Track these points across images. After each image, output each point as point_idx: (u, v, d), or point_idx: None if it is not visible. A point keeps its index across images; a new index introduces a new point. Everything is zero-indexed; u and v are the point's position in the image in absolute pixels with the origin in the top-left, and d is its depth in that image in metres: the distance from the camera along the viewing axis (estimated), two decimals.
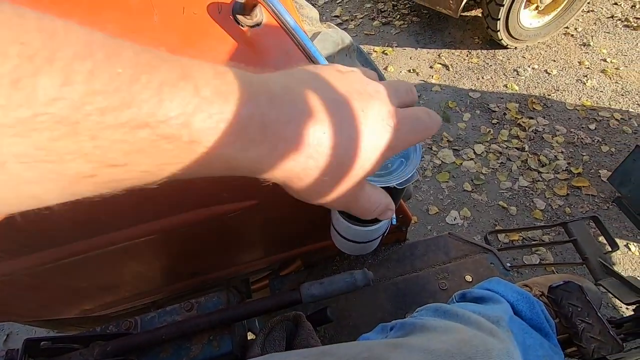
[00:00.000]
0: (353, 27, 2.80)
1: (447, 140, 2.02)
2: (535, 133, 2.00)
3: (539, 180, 1.81)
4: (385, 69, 2.46)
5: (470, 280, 0.87)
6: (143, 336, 0.49)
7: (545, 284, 0.76)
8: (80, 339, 0.47)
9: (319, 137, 0.22)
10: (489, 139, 2.01)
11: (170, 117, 0.17)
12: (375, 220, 0.54)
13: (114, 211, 0.47)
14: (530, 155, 1.90)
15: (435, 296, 0.85)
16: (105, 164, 0.16)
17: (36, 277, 0.55)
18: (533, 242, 1.55)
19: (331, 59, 0.72)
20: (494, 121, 2.08)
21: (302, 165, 0.23)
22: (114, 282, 0.69)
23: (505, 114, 2.11)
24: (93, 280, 0.68)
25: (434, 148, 2.00)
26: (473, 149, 1.97)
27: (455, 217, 1.73)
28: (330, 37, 0.73)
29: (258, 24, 0.42)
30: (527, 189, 1.79)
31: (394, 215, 0.57)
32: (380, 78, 0.92)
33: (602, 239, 1.35)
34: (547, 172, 1.83)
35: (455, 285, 0.86)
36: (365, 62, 0.91)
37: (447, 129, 2.08)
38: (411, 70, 2.43)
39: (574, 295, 0.66)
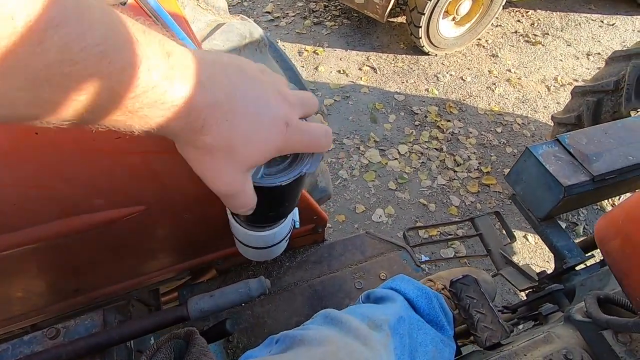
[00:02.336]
0: (285, 24, 2.77)
1: (374, 141, 2.09)
2: (452, 135, 2.16)
3: (454, 179, 1.96)
4: (316, 68, 2.47)
5: (384, 277, 0.89)
6: None
7: (447, 277, 0.81)
8: None
9: (221, 121, 0.25)
10: (412, 139, 2.12)
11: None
12: (272, 225, 0.51)
13: None
14: (447, 156, 2.05)
15: (350, 296, 0.86)
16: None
17: None
18: (447, 237, 1.67)
19: (237, 52, 0.67)
20: (417, 123, 2.20)
21: (200, 130, 0.25)
22: None
23: (426, 116, 2.24)
24: None
25: (361, 148, 2.05)
26: (397, 149, 2.06)
27: (381, 215, 1.79)
28: (235, 29, 0.68)
29: (123, 3, 0.37)
30: (444, 187, 1.93)
31: (296, 219, 0.55)
32: (293, 75, 0.89)
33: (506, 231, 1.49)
34: (462, 171, 1.99)
35: (370, 284, 0.88)
36: (280, 59, 0.88)
37: (374, 129, 2.15)
38: (341, 71, 2.47)
39: (471, 288, 0.70)
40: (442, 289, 0.76)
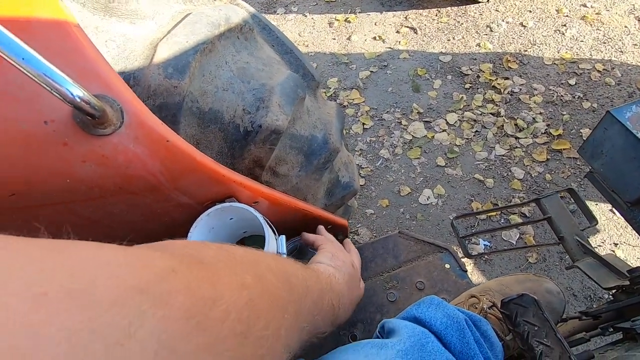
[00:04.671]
0: None
1: (418, 112, 1.87)
2: (511, 95, 1.85)
3: (516, 147, 1.68)
4: (349, 38, 2.26)
5: (422, 287, 0.75)
6: None
7: (497, 290, 0.65)
8: None
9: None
10: (462, 106, 1.85)
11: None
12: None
13: None
14: (506, 120, 1.76)
15: (382, 310, 0.74)
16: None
17: None
18: (508, 224, 1.44)
19: (210, 46, 0.56)
20: (467, 86, 1.92)
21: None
22: None
23: (478, 76, 1.94)
24: None
25: (403, 122, 1.85)
26: (445, 119, 1.82)
27: (429, 196, 1.61)
28: (205, 18, 0.56)
29: None
30: (504, 157, 1.67)
31: (282, 251, 0.44)
32: (293, 59, 0.75)
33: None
34: (525, 137, 1.70)
35: (405, 296, 0.75)
36: (276, 42, 0.75)
37: (417, 99, 1.92)
38: (377, 38, 2.23)
39: (529, 311, 0.54)
40: (490, 307, 0.60)
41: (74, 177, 0.29)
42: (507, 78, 1.91)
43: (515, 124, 1.74)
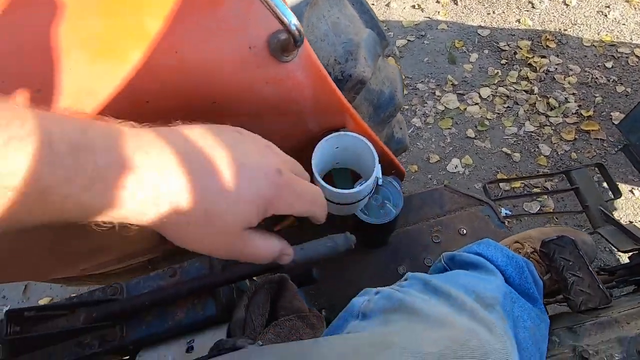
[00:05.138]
0: None
1: (452, 84, 1.92)
2: (546, 74, 1.88)
3: (546, 125, 1.74)
4: (388, 5, 2.26)
5: (464, 233, 0.86)
6: (128, 301, 0.49)
7: (538, 237, 0.75)
8: (66, 306, 0.47)
9: (174, 187, 0.23)
10: (496, 81, 1.89)
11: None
12: (353, 185, 0.51)
13: None
14: (539, 98, 1.81)
15: (427, 249, 0.85)
16: None
17: (29, 240, 0.55)
18: (533, 191, 1.53)
19: (315, 0, 0.63)
20: (503, 61, 1.95)
21: (159, 213, 0.23)
22: (102, 244, 0.70)
23: (515, 53, 1.96)
24: (84, 243, 0.68)
25: (437, 93, 1.90)
26: (479, 93, 1.87)
27: (457, 165, 1.69)
28: None
29: None
30: (532, 134, 1.73)
31: (379, 175, 0.54)
32: (370, 18, 0.82)
33: (606, 185, 1.32)
34: (556, 116, 1.75)
35: (449, 239, 0.86)
36: (356, 2, 0.82)
37: (452, 71, 1.96)
38: (416, 6, 2.23)
39: (566, 249, 0.64)
40: (532, 252, 0.71)
41: (257, 95, 0.38)
42: (544, 57, 1.93)
43: (547, 103, 1.79)
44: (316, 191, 0.30)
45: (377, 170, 0.50)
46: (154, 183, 0.22)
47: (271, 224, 0.31)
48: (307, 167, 0.54)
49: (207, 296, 0.49)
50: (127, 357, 0.56)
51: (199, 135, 0.25)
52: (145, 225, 0.23)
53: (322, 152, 0.52)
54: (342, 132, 0.51)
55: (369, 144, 0.51)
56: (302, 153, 0.54)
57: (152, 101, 0.36)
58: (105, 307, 0.48)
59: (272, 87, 0.38)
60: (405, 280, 0.49)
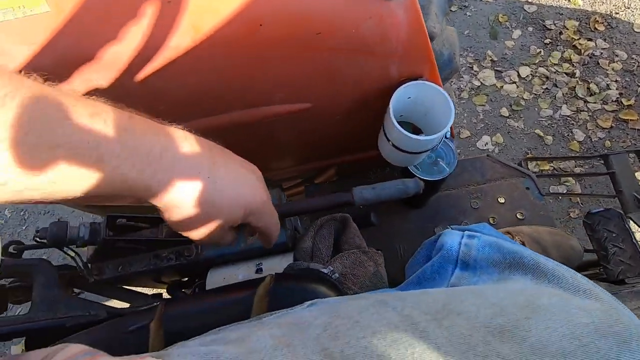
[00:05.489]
0: None
1: (491, 60, 1.87)
2: (590, 57, 1.82)
3: (583, 110, 1.71)
4: None
5: (503, 202, 0.88)
6: None
7: (529, 234, 0.72)
8: (151, 219, 0.51)
9: (198, 183, 0.31)
10: (537, 61, 1.84)
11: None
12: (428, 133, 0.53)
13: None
14: (579, 82, 1.76)
15: (465, 214, 0.88)
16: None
17: None
18: (568, 172, 1.53)
19: None
20: (547, 41, 1.89)
21: (182, 197, 0.30)
22: None
23: (561, 33, 1.89)
24: None
25: (475, 67, 1.86)
26: (517, 71, 1.83)
27: (487, 143, 1.69)
28: None
29: None
30: (568, 118, 1.70)
31: (448, 131, 0.55)
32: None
33: None
34: (595, 102, 1.72)
35: (487, 205, 0.88)
36: None
37: (493, 46, 1.91)
38: None
39: (612, 222, 0.67)
40: (521, 244, 0.71)
41: (358, 30, 0.39)
42: (590, 39, 1.86)
43: (588, 88, 1.75)
44: (277, 222, 0.40)
45: (452, 117, 0.52)
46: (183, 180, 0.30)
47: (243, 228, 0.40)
48: (377, 112, 0.55)
49: None
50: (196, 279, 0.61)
51: (224, 161, 0.34)
52: (157, 205, 0.31)
53: (397, 100, 0.53)
54: (420, 81, 0.52)
55: (446, 94, 0.52)
56: (373, 100, 0.56)
57: (265, 25, 0.38)
58: None
59: (373, 23, 0.39)
60: (479, 231, 0.42)
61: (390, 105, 0.51)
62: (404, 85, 0.52)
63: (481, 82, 1.83)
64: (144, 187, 0.28)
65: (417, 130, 0.65)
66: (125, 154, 0.26)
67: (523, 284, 0.33)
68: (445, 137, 0.72)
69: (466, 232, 0.40)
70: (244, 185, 0.35)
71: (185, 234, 0.35)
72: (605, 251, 0.65)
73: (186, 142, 0.31)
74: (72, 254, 0.49)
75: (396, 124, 0.50)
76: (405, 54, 0.46)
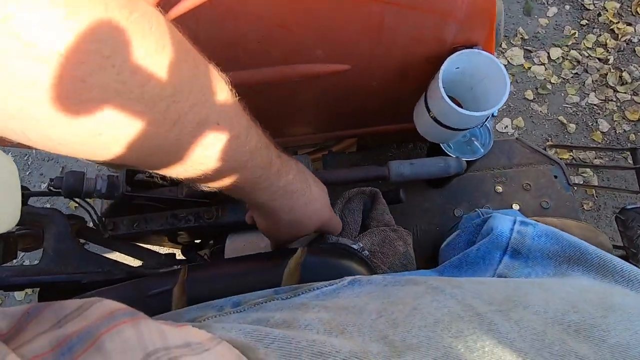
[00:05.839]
0: None
1: (521, 38, 1.77)
2: (627, 44, 1.72)
3: (611, 100, 1.64)
4: None
5: (528, 189, 0.85)
6: None
7: (558, 227, 0.67)
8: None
9: (298, 207, 0.38)
10: (570, 42, 1.74)
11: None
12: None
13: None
14: (612, 70, 1.68)
15: (488, 197, 0.85)
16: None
17: None
18: (589, 164, 1.48)
19: None
20: (584, 22, 1.77)
21: (281, 216, 0.38)
22: None
23: (600, 14, 1.78)
24: None
25: (503, 45, 1.77)
26: (548, 52, 1.73)
27: (507, 125, 1.63)
28: None
29: None
30: (595, 107, 1.63)
31: (495, 111, 0.51)
32: None
33: None
34: (625, 92, 1.64)
35: (511, 191, 0.85)
36: None
37: (525, 23, 1.80)
38: None
39: None
40: None
41: None
42: (629, 24, 1.75)
43: (620, 76, 1.67)
44: (339, 224, 0.46)
45: (507, 92, 0.47)
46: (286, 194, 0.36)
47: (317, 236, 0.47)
48: (417, 81, 0.51)
49: None
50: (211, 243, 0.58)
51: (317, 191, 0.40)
52: (258, 202, 0.37)
53: (446, 69, 0.48)
54: (476, 50, 0.47)
55: (502, 66, 0.47)
56: (417, 67, 0.51)
57: None
58: None
59: None
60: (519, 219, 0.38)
61: (440, 74, 0.46)
62: (457, 53, 0.47)
63: (508, 61, 1.74)
64: (260, 202, 0.35)
65: (458, 105, 0.60)
66: (259, 172, 0.32)
67: (588, 281, 0.30)
68: None
69: (518, 218, 0.37)
70: (323, 205, 0.41)
71: (269, 237, 0.43)
72: (636, 249, 0.63)
73: (296, 167, 0.37)
74: (87, 206, 0.46)
75: (444, 95, 0.46)
76: (467, 16, 0.41)
